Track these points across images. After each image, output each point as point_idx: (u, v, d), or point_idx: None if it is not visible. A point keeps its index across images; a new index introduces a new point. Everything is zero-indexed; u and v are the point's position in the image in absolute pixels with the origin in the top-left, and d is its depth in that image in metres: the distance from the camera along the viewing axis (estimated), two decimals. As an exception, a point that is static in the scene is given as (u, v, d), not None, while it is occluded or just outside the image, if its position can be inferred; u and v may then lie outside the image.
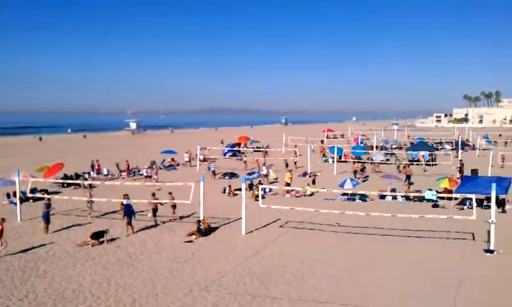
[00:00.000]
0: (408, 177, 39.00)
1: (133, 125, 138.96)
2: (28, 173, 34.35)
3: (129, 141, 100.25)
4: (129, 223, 23.66)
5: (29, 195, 30.44)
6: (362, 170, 43.67)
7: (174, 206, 26.36)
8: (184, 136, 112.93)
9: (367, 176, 42.72)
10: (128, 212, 23.95)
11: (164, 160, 51.95)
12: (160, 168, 46.50)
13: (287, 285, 16.49)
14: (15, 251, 20.35)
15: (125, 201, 25.34)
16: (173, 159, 52.44)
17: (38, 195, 31.70)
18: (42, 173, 36.51)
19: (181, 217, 26.73)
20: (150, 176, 40.39)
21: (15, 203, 28.13)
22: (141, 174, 42.76)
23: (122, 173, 44.21)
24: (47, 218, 23.84)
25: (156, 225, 25.21)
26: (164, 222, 25.79)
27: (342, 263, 18.94)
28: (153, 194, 26.53)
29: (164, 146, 64.01)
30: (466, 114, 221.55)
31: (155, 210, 25.72)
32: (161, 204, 26.08)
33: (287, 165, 47.08)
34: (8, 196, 31.92)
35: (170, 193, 26.83)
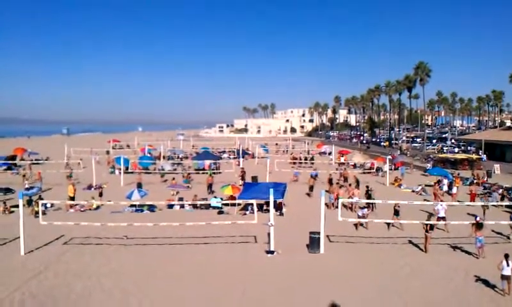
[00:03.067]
0: (210, 186, 40.08)
1: None
2: None
3: None
4: None
5: None
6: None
7: None
8: None
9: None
10: None
11: None
12: None
13: (72, 305, 15.62)
14: None
15: None
16: None
17: None
18: None
19: None
20: None
21: None
22: None
23: None
24: None
25: None
26: None
27: (131, 275, 18.62)
28: None
29: None
30: (246, 125, 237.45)
31: None
32: None
33: (70, 176, 45.17)
34: None
35: None
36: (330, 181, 41.02)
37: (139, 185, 39.96)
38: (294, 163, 62.54)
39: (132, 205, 32.35)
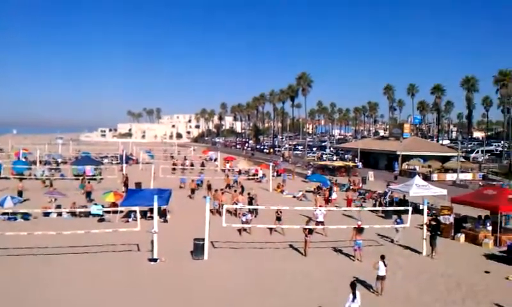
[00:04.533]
0: (89, 194, 38.33)
1: None
2: None
3: None
4: None
5: None
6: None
7: None
8: None
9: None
10: None
11: None
12: None
13: None
14: None
15: None
16: None
17: None
18: None
19: None
20: None
21: None
22: None
23: None
24: None
25: None
26: None
27: (4, 287, 17.42)
28: None
29: None
30: (130, 129, 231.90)
31: None
32: None
33: None
34: None
35: None
36: (209, 187, 41.26)
37: (20, 193, 37.53)
38: (174, 169, 62.46)
39: (4, 213, 30.18)
